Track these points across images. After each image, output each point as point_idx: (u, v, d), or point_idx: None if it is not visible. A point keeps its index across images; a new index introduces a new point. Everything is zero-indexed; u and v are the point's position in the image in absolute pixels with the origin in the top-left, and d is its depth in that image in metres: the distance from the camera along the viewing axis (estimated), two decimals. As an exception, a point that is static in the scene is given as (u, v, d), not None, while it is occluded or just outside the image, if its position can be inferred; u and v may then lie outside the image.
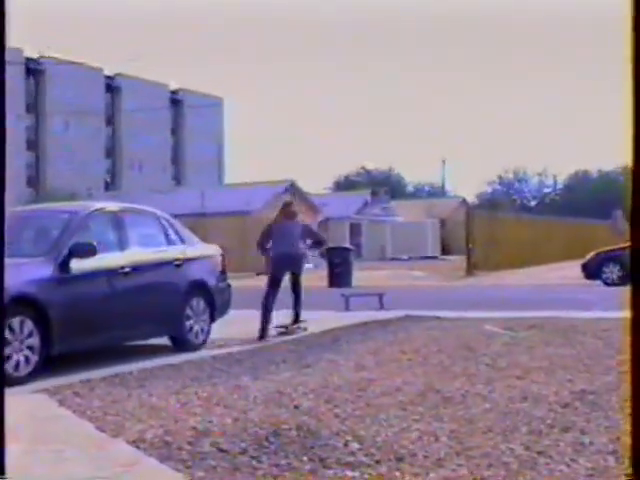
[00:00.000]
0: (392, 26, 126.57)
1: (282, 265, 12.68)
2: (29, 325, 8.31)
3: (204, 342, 10.97)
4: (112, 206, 10.59)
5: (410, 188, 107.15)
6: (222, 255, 12.07)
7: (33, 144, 79.25)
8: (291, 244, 12.73)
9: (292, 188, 48.31)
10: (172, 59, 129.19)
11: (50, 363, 8.63)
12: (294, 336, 11.72)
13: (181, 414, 6.21)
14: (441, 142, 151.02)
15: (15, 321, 8.13)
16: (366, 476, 4.57)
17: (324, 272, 26.03)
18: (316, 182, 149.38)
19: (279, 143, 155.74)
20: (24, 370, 8.21)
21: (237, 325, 12.59)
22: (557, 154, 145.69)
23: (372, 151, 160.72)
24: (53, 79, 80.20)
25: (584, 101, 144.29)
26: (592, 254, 24.87)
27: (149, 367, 8.92)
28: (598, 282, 23.83)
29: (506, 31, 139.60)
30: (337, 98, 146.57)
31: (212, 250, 12.01)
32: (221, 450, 5.11)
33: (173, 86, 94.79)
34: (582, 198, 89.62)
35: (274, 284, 12.66)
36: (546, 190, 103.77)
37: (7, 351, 7.73)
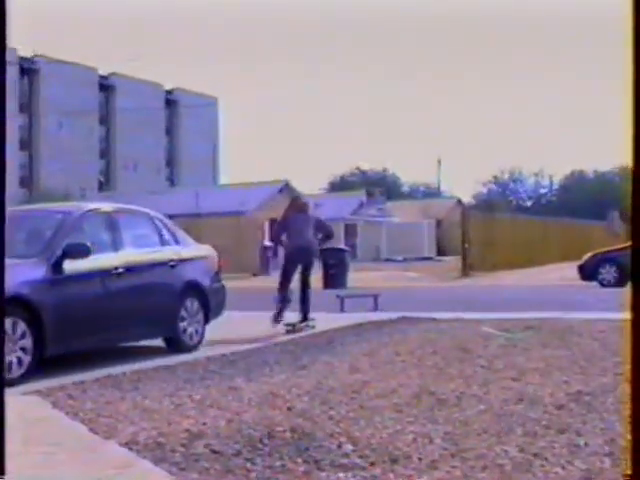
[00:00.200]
0: (390, 26, 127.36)
1: (298, 257, 12.92)
2: (22, 326, 8.29)
3: (198, 343, 10.97)
4: (106, 207, 10.58)
5: (405, 188, 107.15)
6: (217, 256, 12.07)
7: (26, 144, 79.24)
8: (306, 236, 13.03)
9: (287, 188, 48.28)
10: (167, 58, 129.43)
11: (43, 365, 8.62)
12: (288, 337, 11.71)
13: (174, 416, 6.20)
14: (436, 142, 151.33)
15: (7, 322, 8.12)
16: (360, 478, 4.57)
17: (319, 273, 26.04)
18: (311, 182, 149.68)
19: (273, 143, 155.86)
20: (17, 372, 8.20)
21: (232, 326, 12.57)
22: (553, 154, 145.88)
23: (367, 151, 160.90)
24: (47, 78, 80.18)
25: (580, 101, 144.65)
26: (589, 255, 24.90)
27: (143, 369, 8.91)
28: (595, 283, 23.86)
29: (505, 31, 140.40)
30: (332, 98, 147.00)
31: (206, 251, 12.00)
32: (214, 452, 5.11)
33: (168, 86, 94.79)
34: (578, 199, 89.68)
35: (288, 275, 13.02)
36: (542, 190, 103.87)
37: None
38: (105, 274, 9.58)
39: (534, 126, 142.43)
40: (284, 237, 13.12)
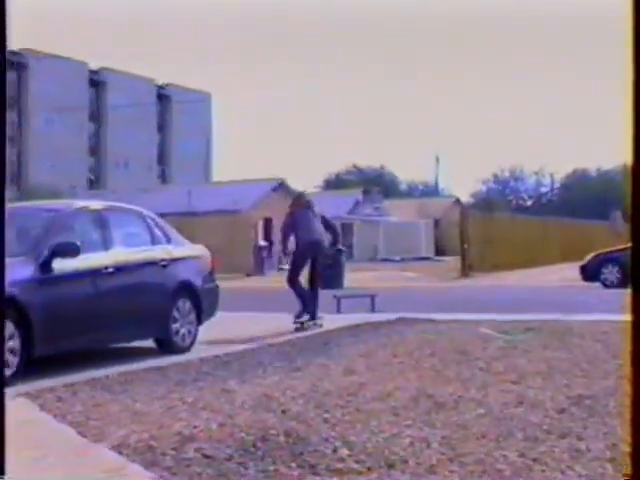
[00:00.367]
0: (389, 25, 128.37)
1: (310, 252, 13.20)
2: (10, 327, 8.27)
3: (191, 345, 10.96)
4: (96, 205, 10.57)
5: (403, 187, 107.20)
6: (209, 255, 12.06)
7: (15, 140, 79.13)
8: (317, 232, 13.34)
9: (281, 187, 48.27)
10: (161, 55, 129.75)
11: (31, 366, 8.60)
12: (283, 338, 11.70)
13: (166, 419, 6.19)
14: (435, 139, 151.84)
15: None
16: (356, 483, 4.56)
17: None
18: (306, 180, 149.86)
19: (268, 140, 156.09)
20: (5, 373, 8.17)
21: (225, 327, 12.57)
22: (555, 152, 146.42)
23: (364, 149, 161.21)
24: (35, 73, 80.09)
25: (582, 100, 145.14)
26: (591, 255, 24.91)
27: (133, 370, 8.90)
28: (597, 284, 23.88)
29: (505, 31, 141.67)
30: (328, 95, 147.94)
31: (199, 250, 11.99)
32: (206, 456, 5.10)
33: (160, 81, 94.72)
34: (580, 198, 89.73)
35: (298, 271, 13.30)
36: (543, 189, 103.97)
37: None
38: (95, 274, 9.57)
39: (535, 124, 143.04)
40: (292, 235, 13.40)
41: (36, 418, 6.50)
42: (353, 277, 27.41)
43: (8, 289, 8.33)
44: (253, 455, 5.12)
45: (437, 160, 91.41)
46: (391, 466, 4.84)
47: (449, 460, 4.93)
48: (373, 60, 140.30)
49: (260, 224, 43.71)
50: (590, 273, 24.53)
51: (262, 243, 40.77)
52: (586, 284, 24.23)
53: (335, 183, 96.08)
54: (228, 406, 6.63)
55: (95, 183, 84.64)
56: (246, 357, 9.81)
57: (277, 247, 45.37)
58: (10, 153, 77.61)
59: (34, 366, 8.67)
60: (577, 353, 9.24)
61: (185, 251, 11.44)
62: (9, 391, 7.64)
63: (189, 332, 11.00)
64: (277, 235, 45.57)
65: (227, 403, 6.76)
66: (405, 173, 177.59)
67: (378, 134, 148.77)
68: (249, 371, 8.59)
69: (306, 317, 13.22)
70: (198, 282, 11.36)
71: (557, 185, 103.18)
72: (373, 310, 15.87)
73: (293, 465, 4.89)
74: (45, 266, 8.88)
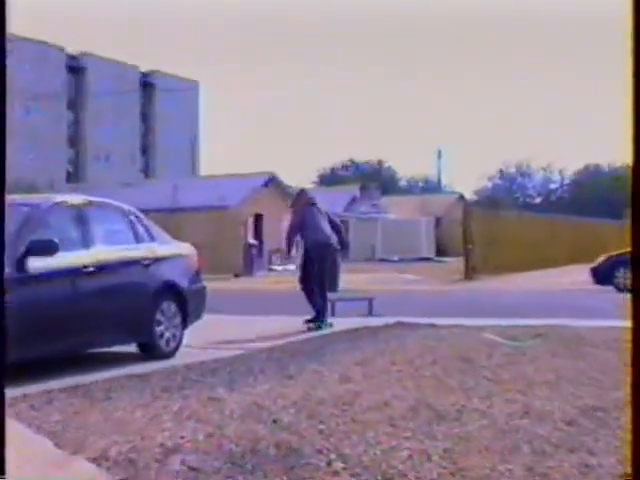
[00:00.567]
0: (389, 25, 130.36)
1: (320, 252, 13.60)
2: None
3: (176, 350, 10.96)
4: (75, 199, 10.55)
5: (403, 183, 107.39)
6: (196, 254, 12.07)
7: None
8: (327, 230, 13.70)
9: (273, 181, 48.32)
10: (144, 38, 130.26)
11: (4, 373, 8.58)
12: (274, 343, 11.70)
13: (149, 429, 6.19)
14: (437, 133, 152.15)
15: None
16: (352, 499, 4.57)
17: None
18: (299, 175, 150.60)
19: (259, 132, 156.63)
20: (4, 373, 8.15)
21: (213, 331, 12.56)
22: (564, 146, 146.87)
23: (361, 142, 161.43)
24: (10, 59, 79.91)
25: (596, 90, 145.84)
26: (603, 257, 24.94)
27: (114, 377, 8.89)
28: (610, 288, 23.90)
29: (505, 30, 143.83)
30: (325, 90, 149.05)
31: (185, 249, 11.99)
32: (192, 469, 5.10)
33: (144, 67, 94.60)
34: (592, 195, 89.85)
35: (309, 270, 13.63)
36: (552, 186, 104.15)
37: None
38: (74, 273, 9.56)
39: (544, 116, 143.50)
40: (298, 235, 13.75)
41: (10, 428, 6.48)
42: (348, 279, 27.35)
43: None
44: (242, 468, 5.12)
45: (439, 155, 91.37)
46: (389, 480, 4.84)
47: (451, 474, 4.94)
48: (373, 60, 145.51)
49: (250, 221, 43.75)
50: (602, 276, 24.54)
51: (252, 241, 40.79)
52: (597, 287, 24.25)
53: (330, 178, 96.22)
54: (216, 415, 6.63)
55: (74, 176, 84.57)
56: (235, 363, 9.80)
57: (267, 246, 45.52)
58: (-18, 144, 77.52)
59: (4, 373, 8.64)
60: (588, 361, 9.26)
61: (170, 250, 11.44)
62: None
63: (174, 336, 11.00)
64: (268, 233, 45.72)
65: (215, 412, 6.76)
66: (405, 168, 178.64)
67: (377, 129, 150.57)
68: (238, 378, 8.59)
69: (317, 319, 13.74)
70: (184, 283, 11.36)
71: (567, 181, 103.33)
72: (370, 314, 15.89)
73: (285, 479, 4.89)
74: (20, 265, 8.86)
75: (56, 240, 9.18)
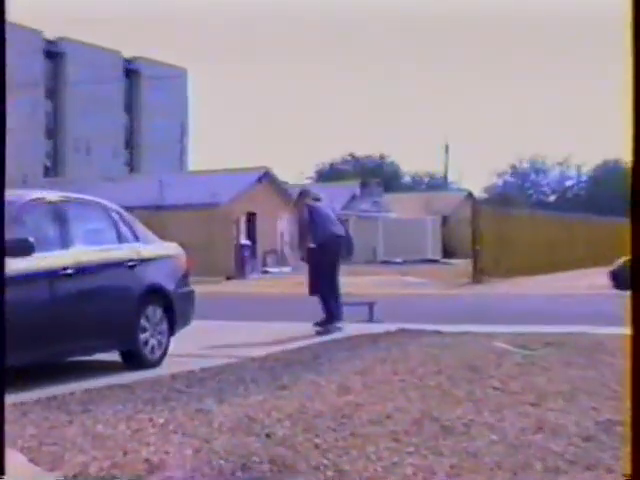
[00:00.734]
0: (389, 25, 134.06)
1: (334, 249, 14.13)
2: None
3: (161, 358, 10.95)
4: (52, 196, 10.53)
5: (407, 179, 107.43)
6: (184, 255, 12.06)
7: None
8: (337, 222, 14.22)
9: (267, 177, 48.30)
10: (127, 22, 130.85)
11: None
12: (267, 351, 11.70)
13: (132, 443, 6.19)
14: (443, 125, 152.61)
15: None
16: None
17: (303, 276, 26.03)
18: (295, 170, 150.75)
19: (253, 125, 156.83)
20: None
21: (201, 338, 12.56)
22: (582, 140, 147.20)
23: (362, 136, 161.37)
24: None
25: (617, 78, 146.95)
26: (623, 259, 24.91)
27: (95, 387, 8.89)
28: (630, 293, 23.85)
29: (505, 30, 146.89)
30: (322, 73, 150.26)
31: (172, 249, 11.99)
32: (179, 487, 5.10)
33: (127, 53, 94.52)
34: (611, 192, 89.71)
35: (324, 273, 14.14)
36: (568, 183, 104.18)
37: None
38: (51, 275, 9.54)
39: (559, 108, 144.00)
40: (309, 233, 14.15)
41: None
42: (347, 282, 27.32)
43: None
44: (232, 486, 5.11)
45: (446, 149, 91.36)
46: (391, 500, 4.84)
47: (458, 493, 4.94)
48: (373, 59, 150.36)
49: (242, 220, 43.73)
50: (622, 280, 24.49)
51: (244, 242, 40.77)
52: (617, 292, 24.23)
53: (329, 174, 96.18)
54: (204, 429, 6.63)
55: (52, 170, 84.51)
56: (225, 373, 9.80)
57: (261, 246, 45.52)
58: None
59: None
60: (606, 372, 9.25)
61: (156, 250, 11.43)
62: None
63: (159, 343, 10.99)
64: (262, 233, 45.71)
65: (203, 425, 6.76)
66: (409, 163, 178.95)
67: (379, 122, 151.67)
68: (228, 389, 8.59)
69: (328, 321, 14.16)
70: (170, 286, 11.35)
71: (584, 178, 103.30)
72: (371, 320, 15.89)
73: (278, 498, 4.89)
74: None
75: (32, 240, 9.16)
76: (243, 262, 38.59)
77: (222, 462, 5.59)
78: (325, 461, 5.62)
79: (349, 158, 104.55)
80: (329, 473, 5.34)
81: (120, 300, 10.54)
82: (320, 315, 14.99)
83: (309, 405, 7.51)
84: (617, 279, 24.69)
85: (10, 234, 9.12)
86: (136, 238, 11.24)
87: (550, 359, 10.18)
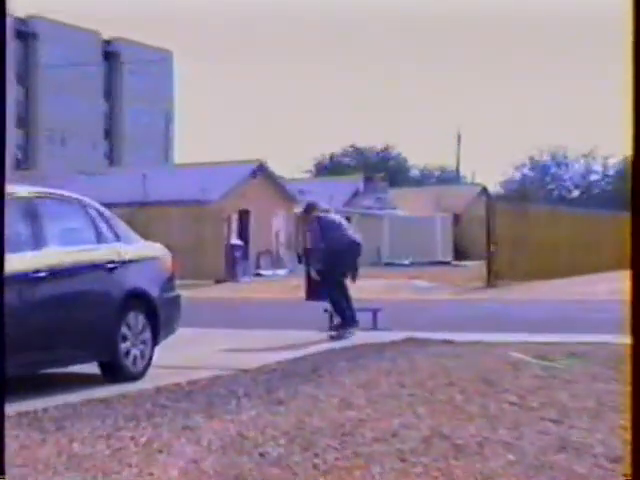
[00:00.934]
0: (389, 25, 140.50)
1: (355, 254, 15.37)
2: None
3: (145, 370, 10.95)
4: (23, 191, 10.52)
5: (414, 173, 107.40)
6: (169, 257, 12.05)
7: None
8: (351, 229, 15.41)
9: (261, 171, 48.27)
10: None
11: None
12: (261, 363, 11.70)
13: (112, 464, 6.18)
14: (455, 114, 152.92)
15: None
16: None
17: (300, 280, 26.02)
18: (292, 163, 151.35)
19: (246, 113, 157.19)
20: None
21: (188, 348, 12.56)
22: (609, 130, 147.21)
23: (365, 125, 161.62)
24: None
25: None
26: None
27: (70, 403, 8.88)
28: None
29: (505, 30, 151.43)
30: (321, 58, 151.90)
31: (156, 250, 11.98)
32: (164, 512, 5.09)
33: (106, 34, 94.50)
34: None
35: (337, 279, 15.24)
36: (593, 177, 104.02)
37: None
38: (22, 279, 9.52)
39: (584, 94, 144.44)
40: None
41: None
42: (350, 285, 27.40)
43: None
44: (222, 510, 5.11)
45: (458, 139, 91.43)
46: (397, 526, 4.84)
47: (471, 519, 4.94)
48: (367, 23, 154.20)
49: (234, 218, 43.68)
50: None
51: (236, 242, 40.72)
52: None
53: (329, 168, 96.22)
54: (192, 448, 6.63)
55: (23, 163, 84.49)
56: (215, 386, 9.80)
57: (254, 247, 45.53)
58: None
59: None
60: (634, 385, 9.23)
61: (138, 251, 11.42)
62: None
63: (142, 354, 10.98)
64: (255, 232, 45.71)
65: (190, 444, 6.75)
66: (417, 155, 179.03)
67: (380, 105, 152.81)
68: (219, 404, 8.59)
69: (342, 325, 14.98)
70: (154, 290, 11.35)
71: (611, 171, 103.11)
72: (375, 328, 15.88)
73: (273, 524, 4.89)
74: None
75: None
76: (234, 264, 38.56)
77: (211, 484, 5.59)
78: (325, 483, 5.62)
79: (351, 150, 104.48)
80: (329, 496, 5.33)
81: (98, 306, 10.53)
82: (320, 322, 15.02)
83: (307, 421, 7.51)
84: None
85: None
86: (116, 238, 11.22)
87: (573, 371, 10.18)
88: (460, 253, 58.00)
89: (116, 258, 10.89)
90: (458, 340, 13.46)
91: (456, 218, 62.08)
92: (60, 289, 10.00)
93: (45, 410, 8.44)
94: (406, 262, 52.18)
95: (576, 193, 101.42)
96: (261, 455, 6.35)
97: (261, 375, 10.57)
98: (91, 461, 6.30)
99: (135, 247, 11.45)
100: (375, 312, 16.36)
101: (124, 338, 10.72)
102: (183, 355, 12.16)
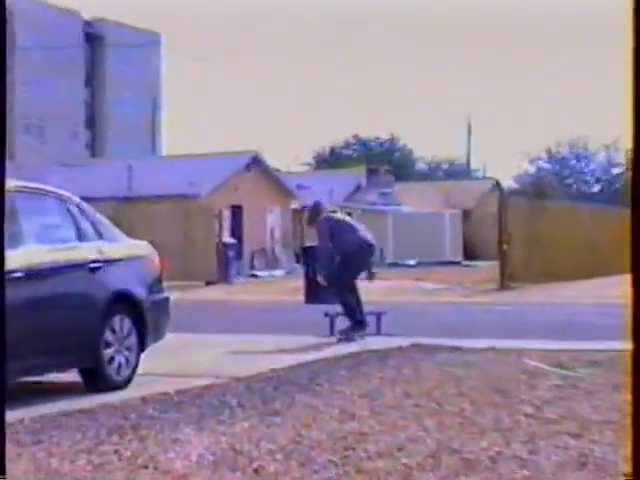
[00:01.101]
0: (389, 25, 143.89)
1: (369, 256, 15.99)
2: None
3: (130, 378, 10.94)
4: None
5: (421, 166, 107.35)
6: (157, 256, 12.05)
7: None
8: (363, 233, 15.77)
9: (256, 163, 48.26)
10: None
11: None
12: (256, 371, 11.71)
13: (94, 480, 6.18)
14: (466, 102, 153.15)
15: None
16: None
17: (299, 281, 26.00)
18: (289, 155, 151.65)
19: (239, 101, 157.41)
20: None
21: (177, 355, 12.56)
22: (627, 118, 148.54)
23: (368, 114, 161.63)
24: None
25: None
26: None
27: (49, 414, 8.88)
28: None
29: (524, 14, 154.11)
30: (321, 58, 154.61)
31: (142, 249, 11.98)
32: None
33: (88, 15, 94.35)
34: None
35: (351, 279, 15.59)
36: (616, 170, 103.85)
37: None
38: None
39: (606, 80, 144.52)
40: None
41: None
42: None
43: None
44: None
45: (469, 129, 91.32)
46: None
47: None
48: (373, 58, 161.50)
49: (226, 214, 43.67)
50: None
51: (228, 240, 40.70)
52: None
53: (329, 160, 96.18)
54: (180, 462, 6.62)
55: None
56: (205, 395, 9.80)
57: (249, 246, 45.51)
58: None
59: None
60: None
61: (122, 250, 11.41)
62: None
63: (127, 361, 10.97)
64: (249, 229, 45.69)
65: (179, 458, 6.75)
66: (424, 147, 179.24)
67: (384, 92, 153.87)
68: (210, 415, 8.59)
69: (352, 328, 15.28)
70: (140, 292, 11.34)
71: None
72: (379, 333, 15.88)
73: None
74: None
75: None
76: (226, 264, 38.51)
77: (202, 502, 5.59)
78: (325, 501, 5.62)
79: (353, 141, 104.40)
80: (330, 516, 5.33)
81: (80, 309, 10.52)
82: (320, 327, 15.03)
83: (305, 434, 7.51)
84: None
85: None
86: (99, 235, 11.22)
87: (594, 381, 10.18)
88: (470, 252, 57.98)
89: (99, 257, 10.87)
90: (468, 346, 13.46)
91: (466, 215, 62.03)
92: (38, 291, 9.99)
93: (21, 422, 8.43)
94: (412, 262, 52.16)
95: (597, 188, 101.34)
96: (255, 471, 6.35)
97: (256, 384, 10.56)
98: (72, 477, 6.30)
99: (119, 245, 11.44)
100: (379, 316, 16.36)
101: (107, 344, 10.70)
102: (172, 362, 12.15)
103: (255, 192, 46.05)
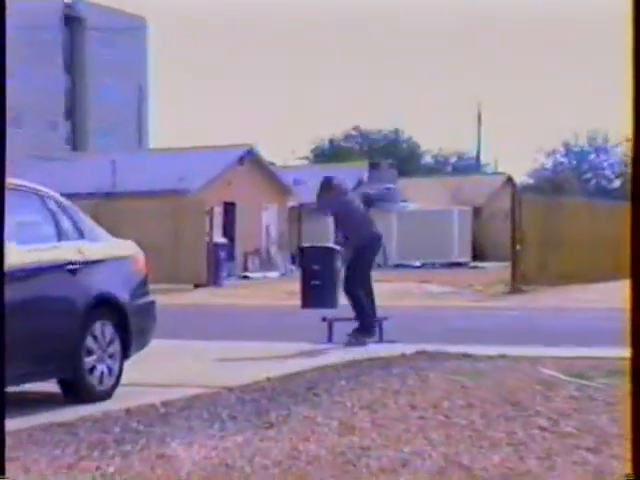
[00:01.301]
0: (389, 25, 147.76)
1: (375, 249, 16.22)
2: None
3: (112, 389, 10.94)
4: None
5: (427, 159, 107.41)
6: (142, 256, 12.04)
7: None
8: (373, 222, 16.16)
9: (250, 156, 48.27)
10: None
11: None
12: (249, 380, 11.71)
13: (74, 498, 6.17)
14: (475, 92, 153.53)
15: None
16: None
17: (296, 284, 26.01)
18: (285, 148, 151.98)
19: (232, 90, 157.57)
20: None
21: (163, 363, 12.55)
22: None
23: (370, 104, 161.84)
24: None
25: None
26: None
27: (25, 428, 8.87)
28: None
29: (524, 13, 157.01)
30: (321, 58, 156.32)
31: (127, 249, 11.97)
32: None
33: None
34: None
35: (363, 274, 15.87)
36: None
37: None
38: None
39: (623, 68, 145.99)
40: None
41: None
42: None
43: None
44: None
45: (479, 119, 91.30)
46: None
47: None
48: (373, 58, 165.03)
49: (217, 211, 43.68)
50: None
51: (219, 240, 40.72)
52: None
53: (329, 153, 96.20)
54: (168, 479, 6.62)
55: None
56: (195, 407, 9.80)
57: (241, 246, 45.51)
58: None
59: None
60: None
61: (105, 250, 11.41)
62: None
63: (110, 370, 10.96)
64: (242, 228, 45.69)
65: (166, 475, 6.75)
66: (430, 140, 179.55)
67: (387, 82, 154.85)
68: (199, 428, 8.58)
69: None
70: (124, 296, 11.33)
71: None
72: (381, 339, 15.89)
73: None
74: None
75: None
76: (217, 265, 38.52)
77: (190, 522, 5.59)
78: (323, 521, 5.62)
79: (354, 133, 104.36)
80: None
81: (58, 314, 10.50)
82: (317, 333, 15.03)
83: (303, 448, 7.50)
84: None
85: None
86: (80, 234, 11.21)
87: (614, 392, 10.17)
88: (479, 253, 58.04)
89: (79, 258, 10.86)
90: (478, 354, 13.46)
91: (476, 212, 62.08)
92: (13, 294, 9.95)
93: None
94: (417, 263, 52.24)
95: (617, 183, 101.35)
96: (249, 488, 6.35)
97: (249, 394, 10.56)
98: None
99: (102, 245, 11.43)
100: (381, 321, 16.37)
101: (89, 352, 10.69)
102: (158, 371, 12.15)
103: (249, 188, 46.07)
